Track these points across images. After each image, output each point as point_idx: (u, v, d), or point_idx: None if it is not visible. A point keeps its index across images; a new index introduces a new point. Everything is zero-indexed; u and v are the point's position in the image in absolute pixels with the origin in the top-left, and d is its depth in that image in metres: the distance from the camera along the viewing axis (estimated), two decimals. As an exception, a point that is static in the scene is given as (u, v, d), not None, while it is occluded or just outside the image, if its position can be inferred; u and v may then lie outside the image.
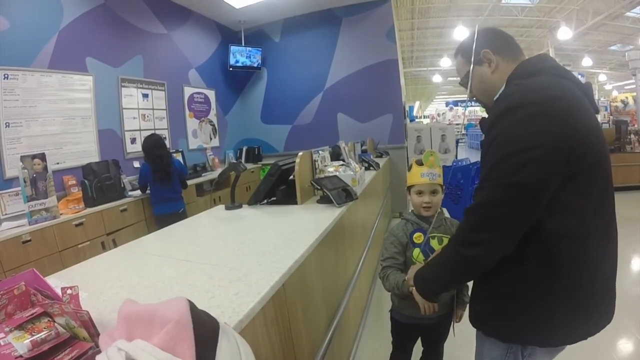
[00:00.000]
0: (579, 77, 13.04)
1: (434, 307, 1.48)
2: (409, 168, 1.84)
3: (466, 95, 1.41)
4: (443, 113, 27.60)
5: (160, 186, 4.08)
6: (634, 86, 11.92)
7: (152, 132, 4.84)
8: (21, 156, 3.11)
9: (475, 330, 1.33)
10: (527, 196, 1.02)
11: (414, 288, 1.45)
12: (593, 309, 1.14)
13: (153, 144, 4.11)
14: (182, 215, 4.17)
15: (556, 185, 1.03)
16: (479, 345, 1.35)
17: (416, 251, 1.70)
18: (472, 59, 1.29)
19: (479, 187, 1.11)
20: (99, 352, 0.77)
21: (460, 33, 10.15)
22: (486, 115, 1.26)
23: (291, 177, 2.67)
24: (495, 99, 1.25)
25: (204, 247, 1.78)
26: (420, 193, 1.79)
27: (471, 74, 1.31)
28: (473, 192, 1.15)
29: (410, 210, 1.87)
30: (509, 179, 1.02)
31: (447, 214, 1.94)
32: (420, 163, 1.78)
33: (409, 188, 1.84)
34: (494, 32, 1.33)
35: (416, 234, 1.72)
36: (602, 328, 1.17)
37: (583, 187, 1.06)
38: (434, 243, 1.70)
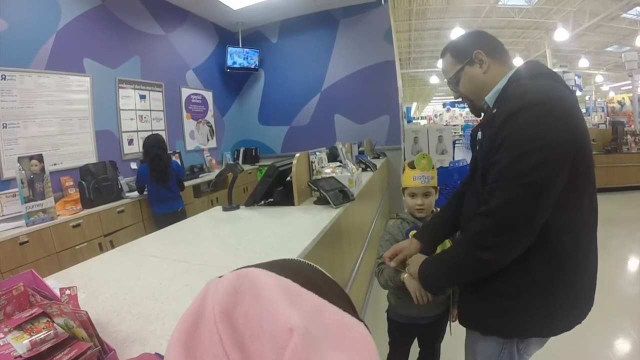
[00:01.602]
0: (576, 77, 13.13)
1: (427, 297, 1.50)
2: (403, 170, 1.86)
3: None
4: (440, 114, 27.66)
5: (157, 186, 4.08)
6: (630, 87, 11.97)
7: (150, 133, 4.82)
8: (18, 157, 3.10)
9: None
10: (545, 195, 1.04)
11: (406, 276, 1.48)
12: (584, 296, 1.20)
13: (155, 143, 4.12)
14: (182, 214, 4.19)
15: (563, 183, 1.06)
16: (470, 345, 1.37)
17: None
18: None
19: (493, 188, 1.11)
20: (97, 352, 0.78)
21: (457, 34, 10.16)
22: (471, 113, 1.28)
23: (288, 178, 2.68)
24: (492, 96, 1.27)
25: (202, 248, 1.79)
26: (413, 195, 1.81)
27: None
28: (487, 192, 1.13)
29: (406, 210, 1.89)
30: (528, 178, 1.02)
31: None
32: (412, 166, 1.80)
33: (403, 190, 1.86)
34: (485, 35, 1.35)
35: (412, 232, 1.74)
36: (588, 312, 1.23)
37: (580, 185, 1.11)
38: None
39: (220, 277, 0.36)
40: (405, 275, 1.50)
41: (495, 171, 1.11)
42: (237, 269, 0.36)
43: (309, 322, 0.30)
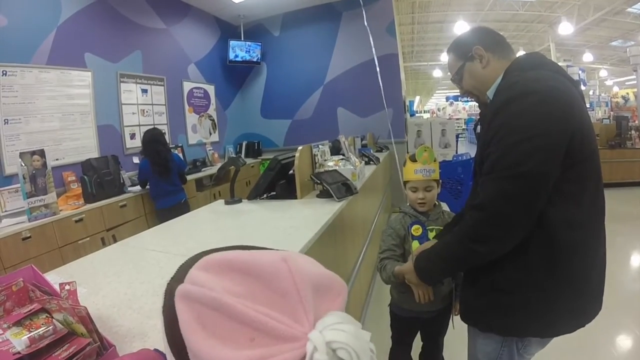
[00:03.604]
0: (580, 72, 13.03)
1: (429, 296, 1.49)
2: (404, 163, 1.84)
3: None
4: (443, 108, 27.51)
5: (159, 180, 4.08)
6: (634, 82, 11.88)
7: (152, 127, 4.81)
8: (20, 153, 3.10)
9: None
10: (536, 185, 1.03)
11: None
12: (589, 297, 1.17)
13: (151, 137, 4.11)
14: (185, 206, 4.22)
15: (558, 174, 1.05)
16: (471, 341, 1.36)
17: (415, 244, 1.70)
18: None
19: (485, 180, 1.11)
20: (97, 347, 0.77)
21: (461, 28, 10.08)
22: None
23: (291, 171, 2.67)
24: (493, 90, 1.27)
25: (203, 243, 1.78)
26: (414, 189, 1.79)
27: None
28: (479, 185, 1.14)
29: (408, 204, 1.87)
30: (518, 169, 1.02)
31: (445, 208, 1.93)
32: (414, 159, 1.78)
33: (405, 183, 1.84)
34: (485, 30, 1.36)
35: (414, 227, 1.72)
36: (595, 316, 1.19)
37: (580, 176, 1.09)
38: (432, 236, 1.69)
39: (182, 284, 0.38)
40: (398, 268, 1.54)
41: (487, 164, 1.11)
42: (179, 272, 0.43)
43: (288, 254, 0.37)
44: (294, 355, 0.31)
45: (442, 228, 1.72)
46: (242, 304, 0.33)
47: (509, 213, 1.05)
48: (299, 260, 0.37)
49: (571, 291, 1.11)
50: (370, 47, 6.55)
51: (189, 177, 4.71)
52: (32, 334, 0.76)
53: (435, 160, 1.79)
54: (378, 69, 3.56)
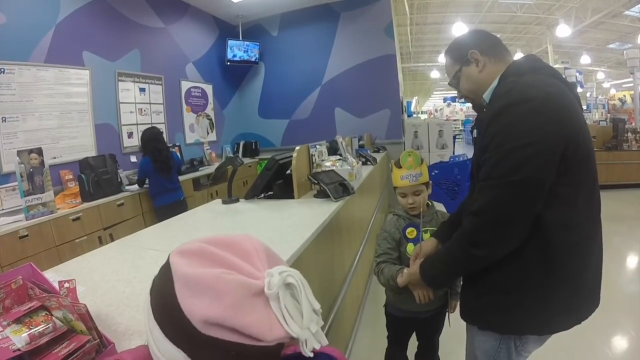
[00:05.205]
0: (577, 74, 13.07)
1: (429, 296, 1.50)
2: (391, 169, 1.83)
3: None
4: (441, 109, 27.54)
5: (160, 177, 4.09)
6: (631, 84, 11.92)
7: (150, 125, 4.80)
8: (18, 151, 3.09)
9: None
10: (532, 191, 1.05)
11: (402, 279, 1.51)
12: (585, 295, 1.19)
13: (151, 136, 4.12)
14: (184, 203, 4.27)
15: (553, 178, 1.06)
16: (470, 339, 1.38)
17: (410, 246, 1.71)
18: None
19: (482, 186, 1.13)
20: (96, 345, 0.78)
21: (459, 29, 10.10)
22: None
23: (288, 171, 2.68)
24: (489, 94, 1.28)
25: (201, 242, 1.78)
26: (403, 194, 1.79)
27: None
28: (477, 191, 1.16)
29: (400, 206, 1.87)
30: (514, 176, 1.04)
31: (439, 208, 1.93)
32: (399, 165, 1.76)
33: (395, 188, 1.84)
34: (481, 34, 1.37)
35: (409, 229, 1.73)
36: (591, 313, 1.21)
37: (576, 179, 1.11)
38: (427, 237, 1.70)
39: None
40: (401, 278, 1.54)
41: (484, 170, 1.13)
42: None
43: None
44: (256, 283, 0.46)
45: (436, 229, 1.73)
46: (221, 252, 0.51)
47: (506, 218, 1.07)
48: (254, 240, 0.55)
49: (568, 290, 1.13)
50: (368, 47, 6.59)
51: (186, 177, 4.73)
52: (31, 331, 0.77)
53: (422, 163, 1.77)
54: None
